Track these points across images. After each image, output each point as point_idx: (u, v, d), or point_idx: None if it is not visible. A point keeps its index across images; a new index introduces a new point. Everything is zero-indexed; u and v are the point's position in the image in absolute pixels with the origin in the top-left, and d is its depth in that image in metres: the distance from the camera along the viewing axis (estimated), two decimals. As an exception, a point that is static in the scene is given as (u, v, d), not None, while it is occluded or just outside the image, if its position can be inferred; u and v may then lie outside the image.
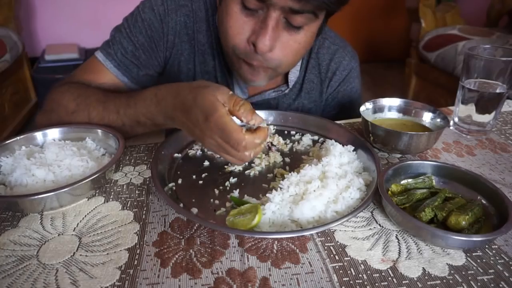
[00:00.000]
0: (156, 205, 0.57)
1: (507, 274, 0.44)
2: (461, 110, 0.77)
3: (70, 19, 3.10)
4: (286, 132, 0.78)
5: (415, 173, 0.59)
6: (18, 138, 0.65)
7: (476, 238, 0.45)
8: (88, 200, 0.58)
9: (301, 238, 0.50)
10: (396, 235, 0.50)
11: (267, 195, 0.55)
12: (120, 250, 0.48)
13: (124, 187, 0.61)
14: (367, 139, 0.70)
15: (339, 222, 0.49)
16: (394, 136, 0.66)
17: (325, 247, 0.48)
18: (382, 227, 0.52)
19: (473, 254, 0.47)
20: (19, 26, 2.66)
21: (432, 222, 0.51)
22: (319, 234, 0.51)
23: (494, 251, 0.48)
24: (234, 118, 0.55)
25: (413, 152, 0.69)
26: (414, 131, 0.67)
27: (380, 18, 3.68)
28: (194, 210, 0.55)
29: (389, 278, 0.44)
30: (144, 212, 0.55)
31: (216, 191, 0.60)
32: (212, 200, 0.58)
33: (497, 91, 0.72)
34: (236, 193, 0.59)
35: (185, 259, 0.47)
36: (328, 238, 0.50)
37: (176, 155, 0.69)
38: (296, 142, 0.74)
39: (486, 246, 0.48)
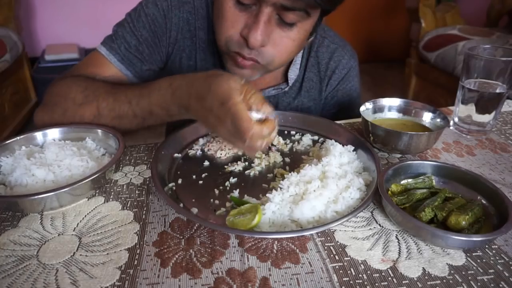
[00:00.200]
0: (156, 205, 0.57)
1: (507, 274, 0.44)
2: (461, 110, 0.77)
3: (70, 19, 3.10)
4: (286, 132, 0.78)
5: (415, 173, 0.59)
6: (18, 138, 0.65)
7: (476, 238, 0.45)
8: (88, 200, 0.58)
9: (301, 238, 0.50)
10: (396, 235, 0.50)
11: (267, 195, 0.55)
12: (120, 250, 0.48)
13: (124, 187, 0.61)
14: (367, 139, 0.70)
15: (339, 222, 0.49)
16: (394, 136, 0.66)
17: (325, 247, 0.48)
18: (382, 227, 0.52)
19: (473, 254, 0.47)
20: (19, 26, 2.66)
21: (432, 222, 0.51)
22: (319, 234, 0.51)
23: (494, 251, 0.48)
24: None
25: (413, 152, 0.69)
26: (414, 131, 0.67)
27: (380, 18, 3.67)
28: (194, 210, 0.55)
29: (389, 278, 0.44)
30: (144, 212, 0.55)
31: (216, 191, 0.60)
32: (212, 200, 0.58)
33: (497, 91, 0.72)
34: (236, 193, 0.59)
35: (185, 259, 0.47)
36: (328, 238, 0.50)
37: (176, 155, 0.69)
38: (296, 142, 0.74)
39: (486, 246, 0.48)
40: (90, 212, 0.55)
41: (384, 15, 3.66)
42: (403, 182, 0.58)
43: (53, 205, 0.54)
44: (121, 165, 0.67)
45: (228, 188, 0.61)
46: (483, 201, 0.54)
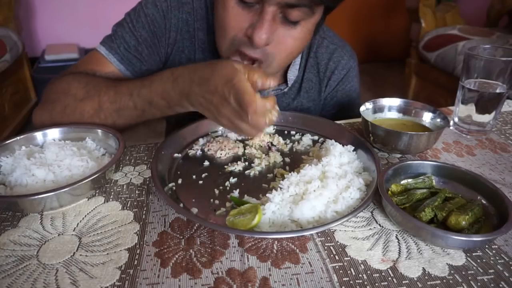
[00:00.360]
0: (156, 205, 0.57)
1: (507, 274, 0.44)
2: (461, 110, 0.77)
3: (70, 19, 3.10)
4: (286, 132, 0.78)
5: (415, 173, 0.59)
6: (18, 138, 0.65)
7: (476, 238, 0.45)
8: (88, 200, 0.58)
9: (301, 238, 0.50)
10: (396, 235, 0.50)
11: (267, 195, 0.55)
12: (120, 250, 0.48)
13: (124, 187, 0.61)
14: (367, 139, 0.70)
15: (339, 222, 0.49)
16: (394, 136, 0.66)
17: (325, 247, 0.48)
18: (382, 227, 0.52)
19: (473, 254, 0.47)
20: (19, 26, 2.66)
21: (432, 222, 0.51)
22: (319, 234, 0.51)
23: (494, 251, 0.48)
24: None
25: (413, 152, 0.69)
26: (414, 131, 0.67)
27: (380, 18, 3.67)
28: (194, 210, 0.55)
29: (389, 278, 0.44)
30: (144, 212, 0.55)
31: (216, 191, 0.60)
32: (212, 200, 0.58)
33: (497, 91, 0.72)
34: (236, 193, 0.59)
35: (185, 259, 0.47)
36: (328, 238, 0.50)
37: (176, 155, 0.69)
38: (296, 142, 0.74)
39: (486, 246, 0.48)
40: (90, 212, 0.55)
41: (384, 15, 3.66)
42: (403, 182, 0.58)
43: (53, 205, 0.54)
44: (121, 165, 0.67)
45: (228, 188, 0.61)
46: (483, 201, 0.54)
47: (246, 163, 0.67)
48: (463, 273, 0.45)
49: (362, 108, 0.73)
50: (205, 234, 0.51)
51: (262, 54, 0.68)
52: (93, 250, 0.48)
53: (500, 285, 0.43)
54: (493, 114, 0.74)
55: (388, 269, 0.45)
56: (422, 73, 2.52)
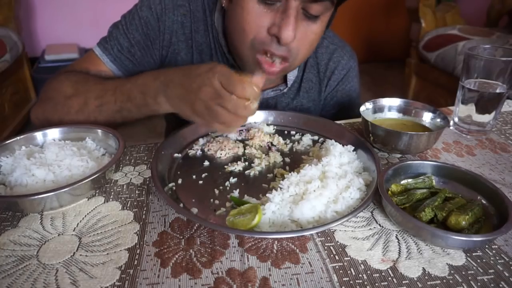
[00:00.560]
0: (156, 205, 0.57)
1: (507, 274, 0.44)
2: (461, 110, 0.77)
3: (69, 19, 3.10)
4: (286, 132, 0.78)
5: (415, 173, 0.59)
6: (18, 138, 0.65)
7: (476, 238, 0.45)
8: (88, 200, 0.58)
9: (301, 238, 0.50)
10: (396, 235, 0.50)
11: (267, 195, 0.55)
12: (120, 250, 0.48)
13: (124, 187, 0.61)
14: (367, 139, 0.70)
15: (339, 222, 0.49)
16: (394, 136, 0.66)
17: (325, 247, 0.48)
18: (382, 227, 0.52)
19: (473, 254, 0.47)
20: (19, 26, 2.66)
21: (432, 222, 0.51)
22: (319, 234, 0.51)
23: (494, 251, 0.48)
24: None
25: (413, 152, 0.69)
26: (414, 131, 0.67)
27: (380, 18, 3.67)
28: (194, 210, 0.55)
29: (389, 278, 0.44)
30: (144, 212, 0.55)
31: (216, 191, 0.60)
32: (212, 200, 0.58)
33: (497, 91, 0.72)
34: (236, 193, 0.59)
35: (185, 259, 0.47)
36: (328, 238, 0.50)
37: (176, 155, 0.69)
38: (296, 142, 0.74)
39: (486, 246, 0.48)
40: (90, 212, 0.55)
41: (384, 15, 3.66)
42: (403, 182, 0.58)
43: (53, 205, 0.54)
44: (121, 165, 0.67)
45: (228, 188, 0.61)
46: (483, 201, 0.54)
47: (246, 163, 0.67)
48: (463, 273, 0.45)
49: (362, 108, 0.73)
50: (205, 234, 0.51)
51: (287, 51, 0.68)
52: (93, 250, 0.48)
53: (500, 285, 0.43)
54: (493, 114, 0.74)
55: (388, 269, 0.45)
56: (422, 73, 2.52)
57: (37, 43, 3.13)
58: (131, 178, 0.63)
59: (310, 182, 0.56)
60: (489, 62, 0.71)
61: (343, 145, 0.66)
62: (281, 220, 0.53)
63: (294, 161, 0.68)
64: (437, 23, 2.50)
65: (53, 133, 0.68)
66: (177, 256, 0.47)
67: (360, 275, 0.44)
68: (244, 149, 0.72)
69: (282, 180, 0.58)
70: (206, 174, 0.64)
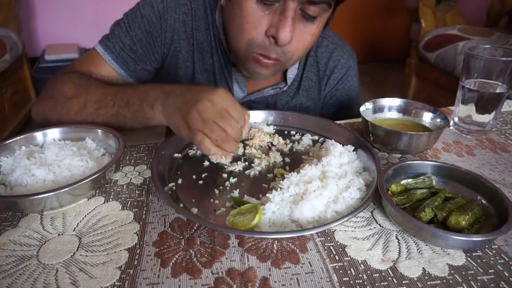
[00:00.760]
0: (156, 205, 0.57)
1: (507, 274, 0.44)
2: (461, 110, 0.77)
3: (70, 19, 3.10)
4: (286, 132, 0.78)
5: (415, 173, 0.59)
6: (18, 138, 0.65)
7: (476, 238, 0.45)
8: (88, 200, 0.58)
9: (301, 238, 0.50)
10: (396, 235, 0.50)
11: (267, 195, 0.55)
12: (120, 250, 0.48)
13: (124, 187, 0.61)
14: (367, 139, 0.70)
15: (339, 222, 0.49)
16: (394, 136, 0.66)
17: (325, 247, 0.48)
18: (382, 227, 0.52)
19: (473, 254, 0.47)
20: (19, 26, 2.66)
21: (432, 222, 0.51)
22: (319, 234, 0.51)
23: (494, 251, 0.48)
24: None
25: (413, 152, 0.69)
26: (414, 131, 0.67)
27: (380, 18, 3.67)
28: (194, 210, 0.55)
29: (389, 278, 0.44)
30: (144, 212, 0.55)
31: (216, 191, 0.60)
32: (212, 200, 0.58)
33: (497, 91, 0.72)
34: (236, 193, 0.59)
35: (185, 259, 0.47)
36: (328, 238, 0.50)
37: (176, 155, 0.69)
38: (296, 142, 0.74)
39: (486, 246, 0.48)
40: (90, 212, 0.55)
41: (384, 15, 3.66)
42: (403, 182, 0.58)
43: (53, 205, 0.54)
44: (121, 165, 0.67)
45: (228, 188, 0.61)
46: (483, 201, 0.54)
47: (246, 163, 0.67)
48: (463, 273, 0.45)
49: (362, 108, 0.73)
50: (205, 234, 0.51)
51: (281, 54, 0.68)
52: (93, 250, 0.48)
53: (500, 285, 0.43)
54: (493, 114, 0.74)
55: (388, 269, 0.45)
56: (422, 73, 2.52)
57: (37, 43, 3.13)
58: (131, 178, 0.63)
59: (310, 182, 0.56)
60: (489, 62, 0.71)
61: (343, 145, 0.66)
62: (281, 220, 0.53)
63: (294, 161, 0.68)
64: (437, 23, 2.51)
65: (53, 133, 0.68)
66: (177, 256, 0.47)
67: (360, 275, 0.44)
68: (244, 149, 0.72)
69: (282, 180, 0.58)
70: (206, 174, 0.64)
